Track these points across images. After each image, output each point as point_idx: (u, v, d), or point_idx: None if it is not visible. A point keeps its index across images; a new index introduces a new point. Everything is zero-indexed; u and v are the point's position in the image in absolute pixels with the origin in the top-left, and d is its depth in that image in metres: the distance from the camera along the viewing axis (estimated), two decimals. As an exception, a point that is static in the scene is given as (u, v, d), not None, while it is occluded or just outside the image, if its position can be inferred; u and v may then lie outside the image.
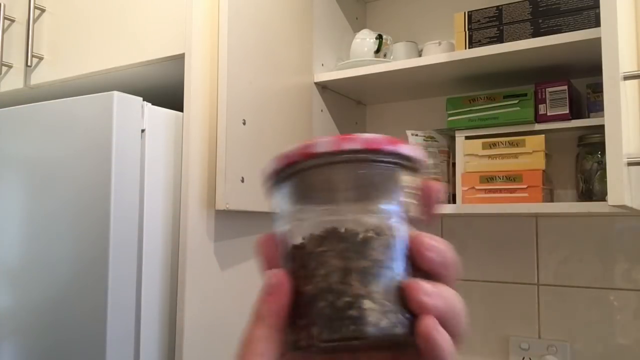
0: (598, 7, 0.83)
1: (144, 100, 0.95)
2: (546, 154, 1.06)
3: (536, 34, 1.05)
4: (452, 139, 1.18)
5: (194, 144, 0.97)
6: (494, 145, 1.09)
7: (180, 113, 0.99)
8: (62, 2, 1.19)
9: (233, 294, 1.03)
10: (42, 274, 0.96)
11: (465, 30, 1.13)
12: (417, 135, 1.25)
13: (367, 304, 0.27)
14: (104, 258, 0.88)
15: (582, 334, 1.19)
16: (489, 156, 1.09)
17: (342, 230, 0.28)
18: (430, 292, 0.27)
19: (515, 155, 1.07)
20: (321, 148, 0.29)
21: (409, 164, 0.30)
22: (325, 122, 1.32)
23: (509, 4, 1.09)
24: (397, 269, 0.28)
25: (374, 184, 0.30)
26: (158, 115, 0.97)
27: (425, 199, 0.31)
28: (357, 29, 1.38)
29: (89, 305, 0.89)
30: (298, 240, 0.30)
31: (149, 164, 0.94)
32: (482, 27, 1.11)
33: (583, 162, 1.11)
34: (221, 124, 0.97)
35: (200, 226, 0.97)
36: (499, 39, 1.09)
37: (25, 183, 1.01)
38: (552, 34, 1.01)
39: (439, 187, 0.31)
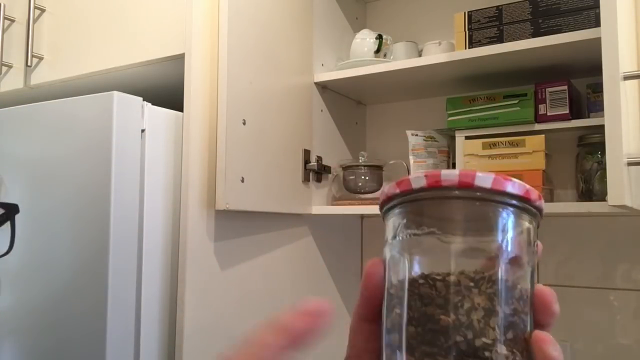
0: (598, 7, 0.83)
1: (144, 100, 0.95)
2: (546, 154, 1.06)
3: (536, 34, 1.05)
4: (452, 139, 1.18)
5: (194, 144, 0.97)
6: (494, 145, 1.09)
7: (180, 113, 0.99)
8: (62, 2, 1.19)
9: (233, 294, 1.03)
10: (42, 274, 0.96)
11: (465, 30, 1.13)
12: (417, 135, 1.25)
13: (503, 349, 0.28)
14: (104, 258, 0.88)
15: (582, 334, 1.19)
16: (489, 156, 1.09)
17: (498, 272, 0.29)
18: (557, 347, 0.29)
19: (515, 155, 1.06)
20: (482, 183, 0.28)
21: (540, 218, 0.31)
22: (325, 122, 1.32)
23: (509, 4, 1.09)
24: (528, 320, 0.30)
25: (521, 234, 0.30)
26: (158, 115, 0.97)
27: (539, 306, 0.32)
28: (357, 29, 1.38)
29: (89, 305, 0.89)
30: (440, 267, 0.29)
31: (149, 164, 0.94)
32: (482, 27, 1.11)
33: (583, 162, 1.11)
34: (221, 124, 0.97)
35: (200, 226, 0.97)
36: (499, 39, 1.09)
37: (25, 183, 1.01)
38: (552, 34, 1.01)
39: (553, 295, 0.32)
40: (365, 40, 1.28)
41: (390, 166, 1.32)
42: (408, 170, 1.25)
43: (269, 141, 1.09)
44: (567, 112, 1.06)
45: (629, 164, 0.78)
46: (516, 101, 1.09)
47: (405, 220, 0.31)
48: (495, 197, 0.29)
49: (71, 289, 0.92)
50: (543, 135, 1.05)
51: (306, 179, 1.21)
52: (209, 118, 1.00)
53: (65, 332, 0.92)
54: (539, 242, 0.32)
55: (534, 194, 0.30)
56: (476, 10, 1.12)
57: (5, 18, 1.24)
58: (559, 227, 1.24)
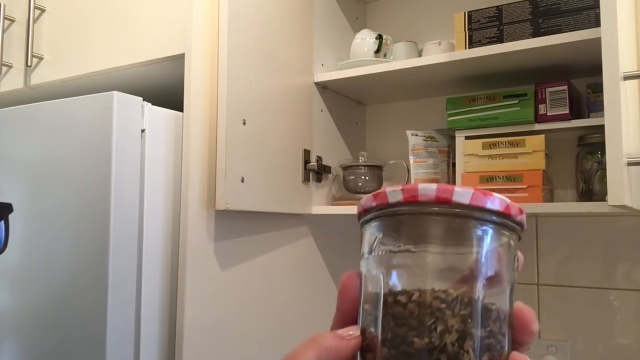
0: (598, 7, 0.83)
1: (144, 100, 0.95)
2: (546, 154, 1.06)
3: (536, 34, 1.05)
4: (452, 139, 1.18)
5: (194, 144, 0.97)
6: (494, 145, 1.09)
7: (180, 113, 0.99)
8: (62, 2, 1.19)
9: (233, 294, 1.03)
10: (42, 274, 0.96)
11: (465, 30, 1.13)
12: (417, 135, 1.25)
13: None
14: (104, 258, 0.88)
15: (582, 334, 1.19)
16: (489, 156, 1.09)
17: (473, 293, 0.28)
18: None
19: (515, 155, 1.06)
20: (461, 198, 0.27)
21: (521, 232, 0.30)
22: (325, 122, 1.32)
23: (509, 4, 1.09)
24: (505, 341, 0.29)
25: (500, 251, 0.29)
26: (158, 115, 0.97)
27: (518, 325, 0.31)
28: (357, 29, 1.38)
29: (89, 305, 0.89)
30: (414, 285, 0.28)
31: (149, 164, 0.94)
32: (482, 27, 1.11)
33: (583, 162, 1.11)
34: (221, 124, 0.97)
35: (200, 226, 0.97)
36: (499, 39, 1.09)
37: (25, 183, 1.01)
38: (552, 34, 1.01)
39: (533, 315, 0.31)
40: (365, 40, 1.28)
41: (390, 166, 1.32)
42: (408, 170, 1.25)
43: (269, 141, 1.09)
44: (567, 112, 1.06)
45: (629, 164, 0.78)
46: (516, 101, 1.09)
47: (381, 235, 0.30)
48: (474, 214, 0.28)
49: (71, 289, 0.92)
50: (543, 135, 1.05)
51: (306, 179, 1.21)
52: (209, 118, 1.00)
53: (65, 332, 0.92)
54: (519, 255, 0.31)
55: (515, 209, 0.29)
56: (476, 10, 1.12)
57: (5, 18, 1.24)
58: (559, 227, 1.24)
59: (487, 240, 0.29)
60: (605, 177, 0.79)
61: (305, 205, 1.22)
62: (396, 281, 0.29)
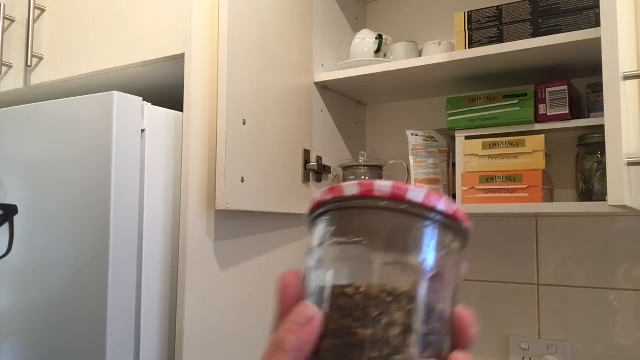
0: (598, 7, 0.83)
1: (144, 100, 0.95)
2: (546, 154, 1.06)
3: (536, 34, 1.05)
4: (452, 139, 1.18)
5: (194, 144, 0.97)
6: (494, 145, 1.09)
7: (180, 113, 0.99)
8: (62, 2, 1.19)
9: (233, 294, 1.03)
10: (42, 274, 0.96)
11: (465, 30, 1.13)
12: (417, 135, 1.25)
13: None
14: (104, 258, 0.88)
15: (582, 334, 1.19)
16: (489, 156, 1.09)
17: (418, 289, 0.28)
18: None
19: (515, 155, 1.07)
20: (414, 197, 0.28)
21: (466, 240, 0.31)
22: (325, 122, 1.32)
23: (509, 4, 1.09)
24: (447, 341, 0.29)
25: (445, 253, 0.29)
26: (158, 115, 0.97)
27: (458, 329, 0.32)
28: (357, 29, 1.38)
29: (89, 305, 0.89)
30: (362, 278, 0.28)
31: (149, 164, 0.94)
32: (482, 27, 1.11)
33: (583, 162, 1.11)
34: (221, 124, 0.97)
35: (200, 226, 0.97)
36: (499, 39, 1.09)
37: (25, 183, 1.01)
38: (552, 34, 1.01)
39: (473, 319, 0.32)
40: (365, 40, 1.28)
41: (390, 166, 1.32)
42: (408, 170, 1.25)
43: (269, 141, 1.09)
44: (567, 112, 1.06)
45: (629, 164, 0.78)
46: (516, 101, 1.09)
47: (333, 228, 0.30)
48: (425, 213, 0.28)
49: (71, 289, 0.92)
50: (543, 135, 1.05)
51: (306, 179, 1.21)
52: (209, 118, 1.00)
53: (66, 332, 0.92)
54: (465, 263, 0.31)
55: (462, 214, 0.30)
56: (476, 10, 1.12)
57: (5, 18, 1.24)
58: (559, 227, 1.24)
59: (434, 241, 0.29)
60: (605, 177, 0.79)
61: (305, 205, 1.22)
62: (344, 274, 0.29)
